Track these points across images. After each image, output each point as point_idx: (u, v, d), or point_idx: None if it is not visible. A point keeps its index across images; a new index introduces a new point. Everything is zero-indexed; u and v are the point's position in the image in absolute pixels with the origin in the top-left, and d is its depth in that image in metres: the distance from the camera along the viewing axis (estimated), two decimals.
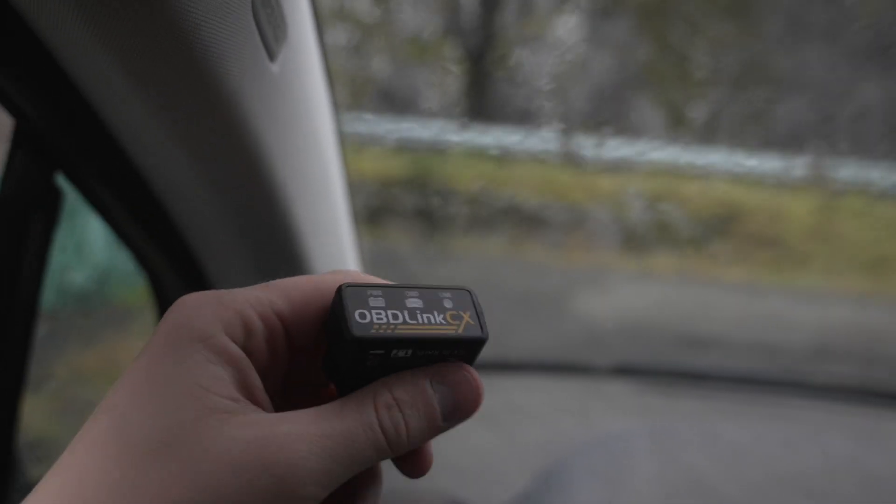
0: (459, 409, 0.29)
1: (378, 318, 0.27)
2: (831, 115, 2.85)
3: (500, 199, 3.07)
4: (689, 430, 0.99)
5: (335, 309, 0.28)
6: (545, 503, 0.85)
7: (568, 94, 3.12)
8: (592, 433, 1.02)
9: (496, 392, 1.16)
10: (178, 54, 0.37)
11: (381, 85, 3.21)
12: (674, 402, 1.14)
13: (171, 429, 0.24)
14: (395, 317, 0.27)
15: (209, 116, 0.42)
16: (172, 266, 0.62)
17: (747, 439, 0.97)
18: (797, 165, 2.88)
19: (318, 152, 0.61)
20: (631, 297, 2.58)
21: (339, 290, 0.27)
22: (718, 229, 2.94)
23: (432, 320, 0.28)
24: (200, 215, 0.55)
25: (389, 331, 0.27)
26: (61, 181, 0.50)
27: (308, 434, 0.25)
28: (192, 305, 0.27)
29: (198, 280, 0.64)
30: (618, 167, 2.94)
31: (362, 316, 0.27)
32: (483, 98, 3.24)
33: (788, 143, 2.93)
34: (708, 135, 3.14)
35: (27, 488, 0.57)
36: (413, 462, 0.31)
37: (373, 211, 2.87)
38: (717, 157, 2.99)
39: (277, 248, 0.60)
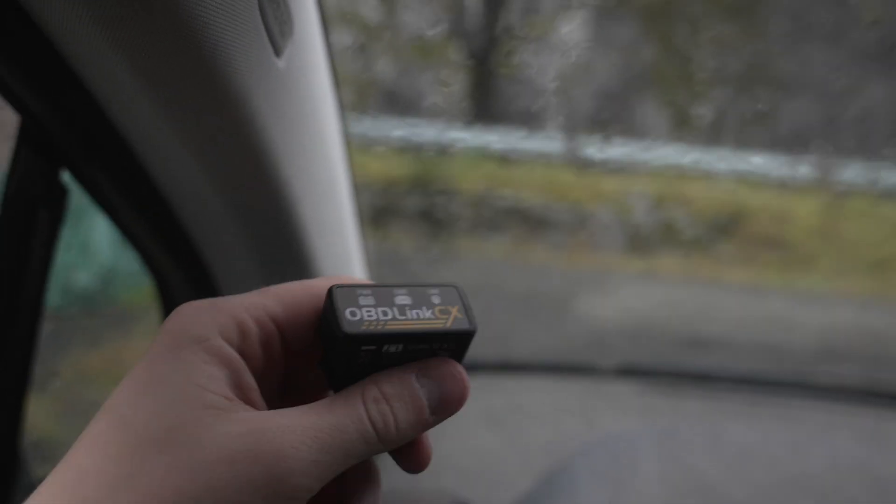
0: (446, 402, 0.30)
1: (368, 315, 0.28)
2: (836, 116, 2.84)
3: (504, 200, 3.08)
4: (692, 430, 0.99)
5: (326, 309, 0.29)
6: None
7: (572, 94, 3.12)
8: (596, 434, 1.02)
9: (499, 392, 1.16)
10: (184, 50, 0.37)
11: (386, 86, 3.22)
12: (677, 402, 1.14)
13: (168, 425, 0.25)
14: (385, 313, 0.29)
15: (215, 113, 0.42)
16: (178, 264, 0.62)
17: (751, 440, 0.96)
18: (802, 166, 2.87)
19: (324, 150, 0.61)
20: (635, 297, 2.58)
21: (330, 290, 0.29)
22: (723, 230, 2.93)
23: (421, 315, 0.29)
24: (206, 213, 0.55)
25: (380, 327, 0.28)
26: (67, 178, 0.50)
27: (299, 426, 0.26)
28: (190, 311, 0.28)
29: (203, 278, 0.64)
30: (622, 168, 2.93)
31: (353, 314, 0.28)
32: (487, 99, 3.25)
33: (793, 143, 2.93)
34: (712, 136, 3.14)
35: (31, 487, 0.57)
36: (412, 457, 0.31)
37: (377, 211, 2.87)
38: (721, 158, 2.99)
39: (283, 248, 0.60)
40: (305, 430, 0.26)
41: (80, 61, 0.40)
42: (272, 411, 0.27)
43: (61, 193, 0.49)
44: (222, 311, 0.28)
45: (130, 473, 0.24)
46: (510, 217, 3.07)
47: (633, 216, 2.95)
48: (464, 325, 0.30)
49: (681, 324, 2.35)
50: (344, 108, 0.70)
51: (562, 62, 3.12)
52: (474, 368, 1.21)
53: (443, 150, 3.08)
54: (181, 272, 0.63)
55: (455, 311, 0.30)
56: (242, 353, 0.28)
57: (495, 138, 3.08)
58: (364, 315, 0.28)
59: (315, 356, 0.32)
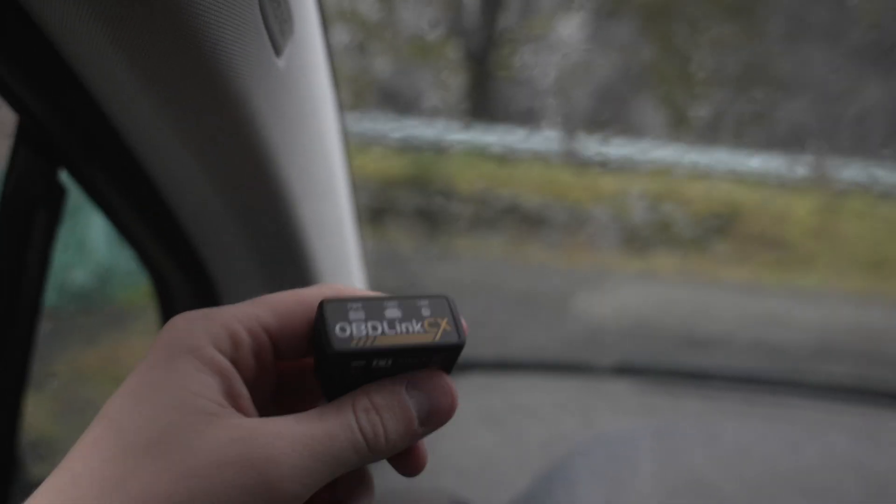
0: (435, 413, 0.30)
1: (358, 331, 0.29)
2: (834, 116, 2.85)
3: (502, 199, 3.08)
4: (690, 429, 0.99)
5: (317, 323, 0.29)
6: (547, 503, 0.85)
7: (570, 94, 3.12)
8: (594, 433, 1.03)
9: (498, 392, 1.16)
10: (184, 49, 0.37)
11: (384, 85, 3.21)
12: (675, 401, 1.14)
13: (160, 430, 0.26)
14: (375, 328, 0.29)
15: (215, 112, 0.42)
16: (176, 264, 0.62)
17: (749, 439, 0.97)
18: (799, 166, 2.87)
19: (324, 150, 0.61)
20: (632, 297, 2.58)
21: (320, 305, 0.29)
22: (720, 229, 2.93)
23: (410, 329, 0.30)
24: (205, 213, 0.55)
25: (369, 342, 0.29)
26: (65, 178, 0.50)
27: (290, 434, 0.27)
28: (183, 322, 0.29)
29: (201, 278, 0.64)
30: (620, 167, 2.93)
31: (342, 329, 0.29)
32: (485, 98, 3.25)
33: (791, 143, 2.93)
34: (710, 135, 3.14)
35: (29, 487, 0.57)
36: (407, 461, 0.32)
37: (375, 211, 2.87)
38: (719, 158, 2.99)
39: (282, 247, 0.60)
40: (296, 438, 0.27)
41: (79, 61, 0.40)
42: (263, 418, 0.27)
43: (59, 193, 0.49)
44: (215, 321, 0.29)
45: (122, 477, 0.25)
46: (508, 216, 3.07)
47: (631, 215, 2.95)
48: (452, 339, 0.30)
49: (678, 323, 2.35)
50: (343, 107, 0.70)
51: (560, 62, 3.12)
52: (472, 367, 1.21)
53: (441, 150, 3.08)
54: (180, 272, 0.63)
55: (444, 323, 0.30)
56: (234, 363, 0.29)
57: (493, 138, 3.08)
58: (353, 330, 0.29)
59: (309, 365, 0.33)
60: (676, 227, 2.90)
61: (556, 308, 2.50)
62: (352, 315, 0.29)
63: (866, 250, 2.74)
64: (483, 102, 3.21)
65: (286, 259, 0.62)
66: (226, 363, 0.28)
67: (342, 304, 0.29)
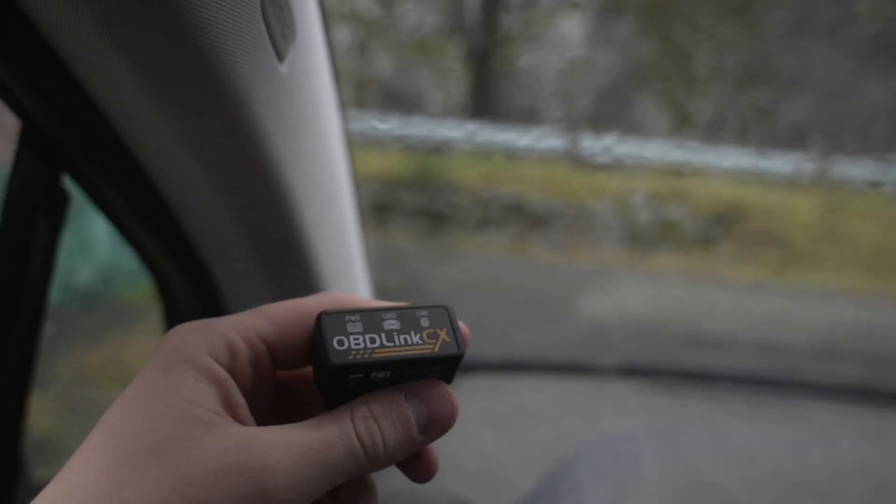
0: (434, 422, 0.30)
1: (356, 344, 0.29)
2: (837, 114, 2.84)
3: (505, 198, 3.07)
4: (694, 430, 0.99)
5: (315, 336, 0.29)
6: None
7: (572, 92, 3.12)
8: (598, 434, 1.02)
9: (502, 393, 1.16)
10: (187, 56, 0.37)
11: (386, 84, 3.21)
12: (680, 402, 1.14)
13: (157, 438, 0.26)
14: (373, 340, 0.29)
15: (217, 118, 0.42)
16: (178, 266, 0.62)
17: (753, 440, 0.96)
18: (802, 164, 2.87)
19: (326, 154, 0.61)
20: (636, 296, 2.58)
21: (318, 318, 0.29)
22: (723, 228, 2.93)
23: (409, 341, 0.30)
24: (207, 217, 0.54)
25: (367, 355, 0.29)
26: (68, 183, 0.50)
27: (287, 442, 0.27)
28: (181, 333, 0.29)
29: (203, 281, 0.64)
30: (622, 166, 2.93)
31: (340, 343, 0.29)
32: (487, 96, 3.24)
33: (793, 141, 2.92)
34: (713, 133, 3.14)
35: (32, 489, 0.57)
36: (417, 466, 0.32)
37: (377, 210, 2.87)
38: (721, 156, 2.98)
39: (284, 250, 0.59)
40: (293, 446, 0.27)
41: (80, 65, 0.40)
42: (260, 427, 0.27)
43: (63, 198, 0.49)
44: (213, 331, 0.29)
45: (118, 485, 0.25)
46: (510, 214, 3.07)
47: (634, 214, 2.94)
48: (451, 350, 0.30)
49: (681, 322, 2.35)
50: (345, 106, 0.70)
51: (561, 59, 3.12)
52: (475, 368, 1.21)
53: (442, 147, 3.08)
54: (181, 274, 0.63)
55: (444, 334, 0.30)
56: (232, 372, 0.29)
57: (496, 136, 3.07)
58: (351, 343, 0.29)
59: (308, 374, 0.33)
60: (680, 226, 2.90)
61: (559, 307, 2.50)
62: (350, 328, 0.29)
63: (871, 250, 2.73)
64: (485, 101, 3.21)
65: (288, 261, 0.62)
66: (223, 373, 0.28)
67: (340, 316, 0.29)
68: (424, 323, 0.30)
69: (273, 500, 0.26)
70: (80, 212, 0.55)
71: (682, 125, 3.15)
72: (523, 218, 3.06)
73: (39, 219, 0.48)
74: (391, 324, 0.30)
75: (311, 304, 0.31)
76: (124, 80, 0.39)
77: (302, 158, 0.53)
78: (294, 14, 0.45)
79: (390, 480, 0.33)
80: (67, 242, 0.52)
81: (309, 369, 0.32)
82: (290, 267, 0.63)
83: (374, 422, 0.29)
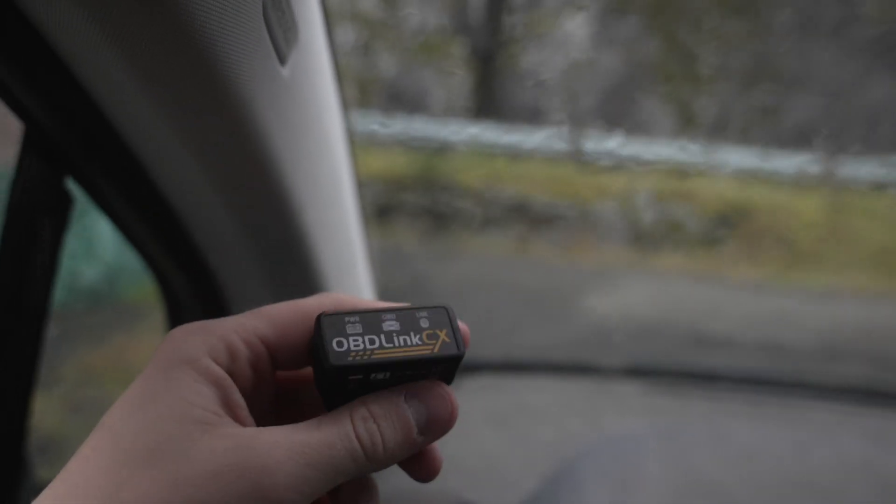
0: (434, 423, 0.30)
1: (355, 345, 0.29)
2: (842, 113, 2.83)
3: (509, 198, 3.07)
4: (698, 431, 0.99)
5: (315, 338, 0.30)
6: None
7: (576, 91, 3.11)
8: (601, 434, 1.02)
9: (505, 392, 1.16)
10: (189, 60, 0.37)
11: (389, 83, 3.21)
12: (683, 402, 1.14)
13: (157, 439, 0.26)
14: (372, 342, 0.29)
15: (218, 120, 0.42)
16: (181, 269, 0.62)
17: (756, 440, 0.96)
18: (807, 163, 2.86)
19: (329, 156, 0.61)
20: (639, 296, 2.58)
21: (318, 319, 0.29)
22: (727, 228, 2.92)
23: (409, 342, 0.30)
24: (210, 219, 0.55)
25: (366, 356, 0.29)
26: (71, 185, 0.51)
27: (286, 442, 0.27)
28: (181, 334, 0.29)
29: (207, 283, 0.64)
30: (626, 165, 2.92)
31: (339, 344, 0.29)
32: (491, 96, 3.24)
33: (798, 141, 2.91)
34: (717, 133, 3.13)
35: (36, 489, 0.57)
36: (421, 465, 0.32)
37: (380, 209, 2.88)
38: (726, 156, 2.98)
39: (287, 252, 0.60)
40: (292, 446, 0.27)
41: (83, 69, 0.40)
42: (260, 428, 0.28)
43: (67, 201, 0.49)
44: (213, 333, 0.29)
45: (118, 486, 0.25)
46: (513, 214, 3.07)
47: (638, 213, 2.94)
48: (451, 351, 0.30)
49: (685, 322, 2.35)
50: (348, 106, 0.70)
51: (566, 58, 3.11)
52: (479, 368, 1.21)
53: (446, 148, 3.08)
54: (185, 276, 0.63)
55: (443, 334, 0.30)
56: (231, 373, 0.29)
57: (499, 135, 3.07)
58: (351, 344, 0.29)
59: (308, 375, 0.33)
60: (683, 226, 2.90)
61: (562, 307, 2.50)
62: (349, 329, 0.29)
63: (875, 250, 2.72)
64: (489, 101, 3.21)
65: (290, 263, 0.62)
66: (222, 374, 0.28)
67: (339, 317, 0.29)
68: (424, 324, 0.30)
69: (272, 500, 0.26)
70: (85, 212, 0.55)
71: (686, 125, 3.14)
72: (527, 218, 3.06)
73: (43, 221, 0.48)
74: (390, 325, 0.30)
75: (310, 305, 0.31)
76: (124, 81, 0.39)
77: (304, 160, 0.53)
78: (296, 16, 0.45)
79: (392, 480, 0.33)
80: (72, 243, 0.53)
81: (309, 370, 0.32)
82: (293, 268, 0.63)
83: (374, 422, 0.29)
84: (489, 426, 1.06)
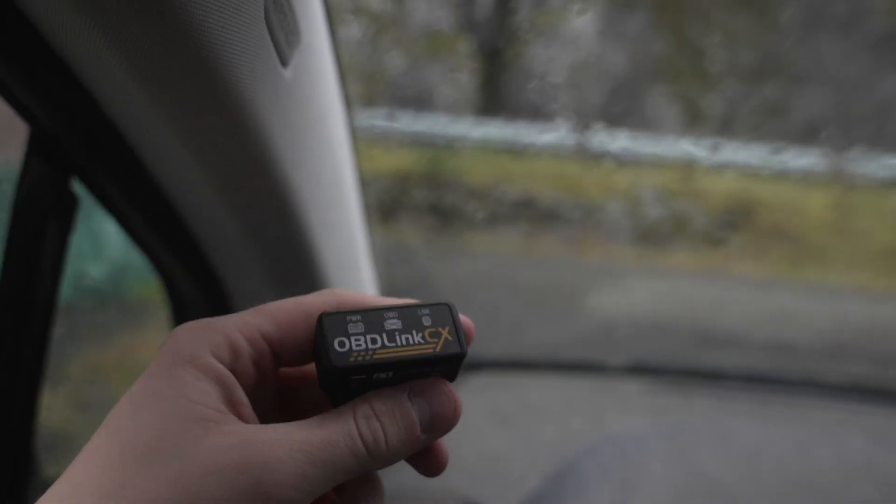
0: (437, 421, 0.30)
1: (357, 345, 0.29)
2: (850, 109, 2.81)
3: (515, 194, 3.07)
4: (702, 430, 0.99)
5: (317, 338, 0.29)
6: (558, 503, 0.86)
7: (583, 88, 3.10)
8: (604, 433, 1.02)
9: (509, 391, 1.17)
10: (190, 62, 0.37)
11: (395, 80, 3.21)
12: (687, 401, 1.14)
13: (159, 437, 0.26)
14: (374, 341, 0.29)
15: (221, 122, 0.42)
16: (186, 269, 0.63)
17: (761, 439, 0.96)
18: (815, 160, 2.84)
19: (332, 156, 0.61)
20: (646, 293, 2.57)
21: (319, 319, 0.29)
22: (735, 224, 2.91)
23: (411, 340, 0.30)
24: (214, 220, 0.55)
25: (368, 357, 0.29)
26: (77, 186, 0.51)
27: (288, 440, 0.27)
28: (184, 332, 0.29)
29: (211, 283, 0.65)
30: (633, 162, 2.91)
31: (341, 344, 0.29)
32: (497, 93, 3.23)
33: (806, 137, 2.89)
34: (725, 129, 3.11)
35: (44, 486, 0.58)
36: (427, 460, 0.32)
37: (386, 206, 2.88)
38: (733, 152, 2.96)
39: (290, 252, 0.60)
40: (294, 444, 0.27)
41: (87, 71, 0.40)
42: (262, 425, 0.28)
43: (72, 202, 0.49)
44: (215, 330, 0.29)
45: (121, 484, 0.25)
46: (520, 210, 3.06)
47: (644, 210, 2.93)
48: (453, 349, 0.30)
49: (691, 319, 2.34)
50: (352, 103, 0.70)
51: (572, 56, 3.10)
52: (482, 366, 1.21)
53: (452, 144, 3.07)
54: (189, 276, 0.63)
55: (446, 332, 0.30)
56: (234, 371, 0.29)
57: (505, 131, 3.07)
58: (353, 344, 0.29)
59: (311, 371, 0.33)
60: (691, 223, 2.88)
61: (567, 304, 2.50)
62: (351, 328, 0.29)
63: (884, 247, 2.71)
64: (495, 97, 3.20)
65: (294, 261, 0.62)
66: (225, 371, 0.29)
67: (341, 316, 0.29)
68: (426, 322, 0.30)
69: (274, 497, 0.26)
70: (91, 210, 0.55)
71: (693, 121, 3.12)
72: (533, 214, 3.06)
73: (49, 223, 0.48)
74: (393, 323, 0.30)
75: (313, 302, 0.31)
76: (126, 83, 0.39)
77: (306, 160, 0.53)
78: (298, 18, 0.45)
79: (397, 477, 0.33)
80: (78, 241, 0.53)
81: (312, 366, 0.32)
82: (295, 266, 0.63)
83: (377, 420, 0.29)
84: (492, 424, 1.06)
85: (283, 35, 0.42)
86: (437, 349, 0.30)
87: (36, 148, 0.47)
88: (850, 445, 0.95)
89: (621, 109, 3.11)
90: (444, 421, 0.30)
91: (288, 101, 0.46)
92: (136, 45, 0.36)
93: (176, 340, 0.29)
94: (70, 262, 0.53)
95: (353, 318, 0.29)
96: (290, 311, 0.31)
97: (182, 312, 0.71)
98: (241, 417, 0.28)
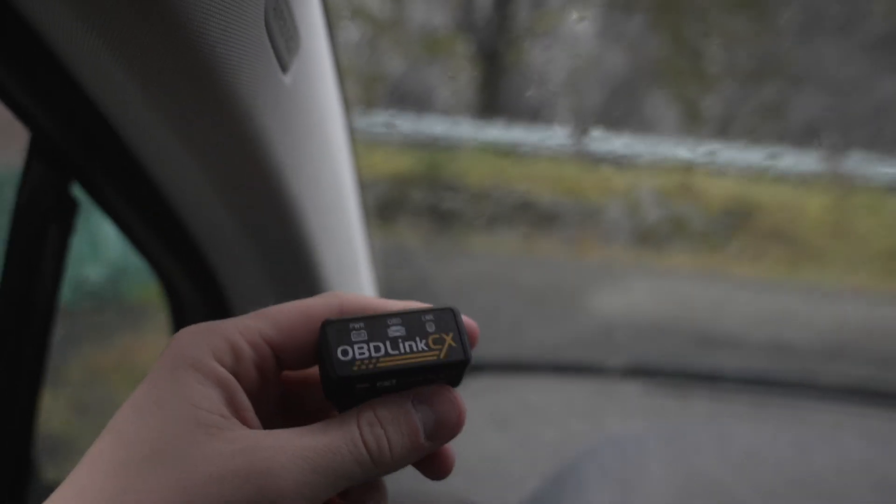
0: (442, 427, 0.30)
1: (360, 354, 0.29)
2: (848, 110, 2.82)
3: (514, 196, 3.07)
4: (701, 431, 0.99)
5: (320, 346, 0.29)
6: None
7: (581, 89, 3.10)
8: (604, 434, 1.02)
9: (508, 392, 1.17)
10: (191, 68, 0.37)
11: (394, 81, 3.21)
12: (686, 403, 1.14)
13: (163, 442, 0.26)
14: (377, 349, 0.29)
15: (222, 129, 0.42)
16: (186, 273, 0.63)
17: (760, 441, 0.96)
18: (813, 161, 2.85)
19: (331, 161, 0.61)
20: (644, 294, 2.58)
21: (322, 327, 0.29)
22: (733, 226, 2.91)
23: (414, 348, 0.29)
24: (213, 225, 0.55)
25: (371, 365, 0.28)
26: (77, 191, 0.51)
27: (291, 446, 0.27)
28: (186, 336, 0.29)
29: (210, 285, 0.65)
30: (631, 163, 2.92)
31: (344, 353, 0.28)
32: (496, 94, 3.23)
33: (804, 138, 2.90)
34: (723, 130, 3.12)
35: (44, 490, 0.58)
36: (434, 464, 0.32)
37: (385, 208, 2.88)
38: (731, 153, 2.96)
39: (290, 256, 0.60)
40: (297, 451, 0.27)
41: (87, 77, 0.40)
42: (266, 431, 0.28)
43: (72, 206, 0.50)
44: (217, 334, 0.29)
45: (124, 489, 0.25)
46: (519, 212, 3.07)
47: (643, 211, 2.93)
48: (458, 356, 0.30)
49: (690, 320, 2.34)
50: (351, 105, 0.70)
51: (571, 56, 3.11)
52: (482, 368, 1.21)
53: (452, 146, 3.08)
54: (189, 280, 0.64)
55: (449, 339, 0.30)
56: (237, 375, 0.29)
57: (504, 133, 3.07)
58: (356, 353, 0.28)
59: (314, 374, 0.33)
60: (690, 224, 2.89)
61: (566, 306, 2.50)
62: (354, 336, 0.29)
63: (882, 248, 2.71)
64: (494, 99, 3.20)
65: (294, 265, 0.63)
66: (227, 375, 0.28)
67: (344, 324, 0.29)
68: (430, 328, 0.30)
69: None
70: (90, 213, 0.55)
71: (692, 122, 3.13)
72: (532, 216, 3.06)
73: (50, 226, 0.49)
74: (396, 330, 0.29)
75: (315, 305, 0.31)
76: (127, 88, 0.39)
77: (306, 165, 0.54)
78: (297, 24, 0.45)
79: (394, 480, 0.33)
80: (77, 244, 0.53)
81: (314, 369, 0.32)
82: (294, 269, 0.63)
83: (381, 427, 0.29)
84: (492, 426, 1.06)
85: (283, 41, 0.42)
86: (441, 356, 0.29)
87: (37, 152, 0.47)
88: (849, 447, 0.95)
89: (620, 111, 3.11)
90: (448, 428, 0.30)
91: (288, 107, 0.46)
92: (137, 51, 0.36)
93: (179, 344, 0.29)
94: (69, 265, 0.53)
95: (356, 325, 0.29)
96: (293, 314, 0.31)
97: (181, 314, 0.71)
98: (244, 422, 0.28)
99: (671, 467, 0.90)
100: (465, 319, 0.31)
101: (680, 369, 1.23)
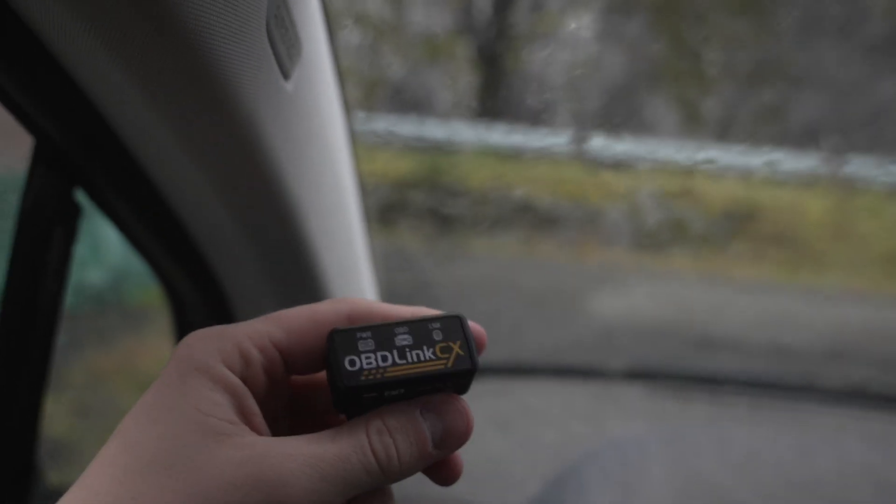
0: (450, 436, 0.30)
1: (368, 363, 0.29)
2: (848, 112, 2.82)
3: (514, 199, 3.07)
4: (701, 434, 0.99)
5: (328, 355, 0.29)
6: None
7: (581, 92, 3.11)
8: (605, 437, 1.03)
9: (509, 396, 1.17)
10: (193, 76, 0.38)
11: (394, 84, 3.21)
12: (687, 406, 1.14)
13: (172, 449, 0.26)
14: (385, 358, 0.29)
15: (225, 136, 0.43)
16: (188, 278, 0.63)
17: (760, 444, 0.96)
18: (814, 163, 2.84)
19: (333, 167, 0.62)
20: (645, 297, 2.58)
21: (330, 336, 0.29)
22: (733, 228, 2.91)
23: (422, 357, 0.29)
24: (216, 230, 0.55)
25: (379, 374, 0.29)
26: (80, 197, 0.51)
27: (300, 454, 0.27)
28: (195, 341, 0.29)
29: (212, 288, 0.65)
30: (631, 165, 2.92)
31: (352, 363, 0.29)
32: (496, 96, 3.24)
33: (805, 140, 2.90)
34: (723, 132, 3.12)
35: (47, 494, 0.58)
36: (442, 470, 0.33)
37: (385, 211, 2.88)
38: (732, 155, 2.96)
39: (291, 258, 0.60)
40: (306, 459, 0.27)
41: (91, 83, 0.41)
42: (275, 438, 0.28)
43: (75, 211, 0.50)
44: (226, 339, 0.29)
45: (133, 496, 0.25)
46: (519, 215, 3.07)
47: (643, 213, 2.93)
48: (465, 365, 0.30)
49: (691, 323, 2.34)
50: (352, 111, 0.70)
51: (571, 59, 3.11)
52: (483, 372, 1.21)
53: (452, 149, 3.08)
54: (192, 285, 0.64)
55: (457, 347, 0.30)
56: (245, 380, 0.29)
57: (504, 135, 3.07)
58: (363, 363, 0.29)
59: (322, 379, 0.32)
60: (690, 226, 2.89)
61: (567, 309, 2.50)
62: (361, 345, 0.29)
63: (883, 250, 2.71)
64: (493, 100, 3.21)
65: (296, 269, 0.63)
66: (236, 381, 0.28)
67: (351, 334, 0.29)
68: (437, 336, 0.30)
69: None
70: (92, 217, 0.56)
71: (692, 124, 3.13)
72: (532, 218, 3.06)
73: (53, 231, 0.49)
74: (403, 339, 0.29)
75: (324, 310, 0.31)
76: (129, 95, 0.40)
77: (307, 170, 0.54)
78: (299, 32, 0.45)
79: (402, 483, 0.33)
80: (78, 247, 0.53)
81: (322, 374, 0.32)
82: (297, 273, 0.64)
83: (389, 436, 0.29)
84: (493, 429, 1.06)
85: (284, 48, 0.42)
86: (449, 365, 0.29)
87: (40, 158, 0.48)
88: (850, 450, 0.96)
89: (620, 114, 3.11)
90: (456, 436, 0.30)
91: (290, 114, 0.47)
92: (140, 59, 0.36)
93: (186, 349, 0.29)
94: (72, 271, 0.53)
95: (364, 334, 0.29)
96: (301, 319, 0.31)
97: (183, 318, 0.72)
98: (253, 428, 0.28)
99: (672, 470, 0.90)
100: (473, 326, 0.31)
101: (680, 372, 1.23)
